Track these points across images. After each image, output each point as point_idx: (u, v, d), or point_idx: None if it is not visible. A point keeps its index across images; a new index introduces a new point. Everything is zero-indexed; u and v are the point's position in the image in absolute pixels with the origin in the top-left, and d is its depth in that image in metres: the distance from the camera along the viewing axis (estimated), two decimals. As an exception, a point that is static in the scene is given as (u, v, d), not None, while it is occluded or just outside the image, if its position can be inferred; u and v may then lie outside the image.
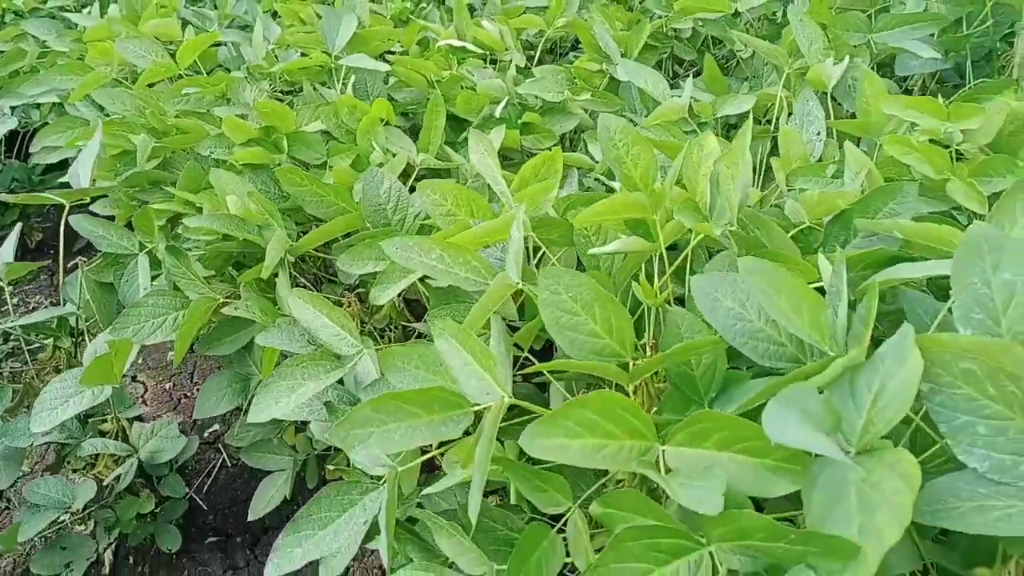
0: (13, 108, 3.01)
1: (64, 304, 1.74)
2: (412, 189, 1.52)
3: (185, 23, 2.50)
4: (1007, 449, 0.74)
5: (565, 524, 0.97)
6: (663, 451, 0.84)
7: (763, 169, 1.61)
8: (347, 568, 1.96)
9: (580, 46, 2.30)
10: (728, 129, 1.96)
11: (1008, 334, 0.82)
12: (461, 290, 1.34)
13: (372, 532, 1.15)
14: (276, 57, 2.23)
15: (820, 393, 0.78)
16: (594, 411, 0.82)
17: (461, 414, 0.95)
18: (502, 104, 1.90)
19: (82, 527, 1.88)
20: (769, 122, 1.79)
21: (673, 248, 1.23)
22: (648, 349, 1.10)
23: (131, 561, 2.02)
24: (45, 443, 1.82)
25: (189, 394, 2.58)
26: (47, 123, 2.45)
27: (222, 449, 2.32)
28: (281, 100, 2.00)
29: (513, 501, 1.04)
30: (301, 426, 1.87)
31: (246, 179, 1.60)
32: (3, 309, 2.36)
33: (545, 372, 1.10)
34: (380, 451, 0.95)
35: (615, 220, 1.21)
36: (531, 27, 2.30)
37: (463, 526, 1.05)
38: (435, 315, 1.27)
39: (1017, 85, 1.66)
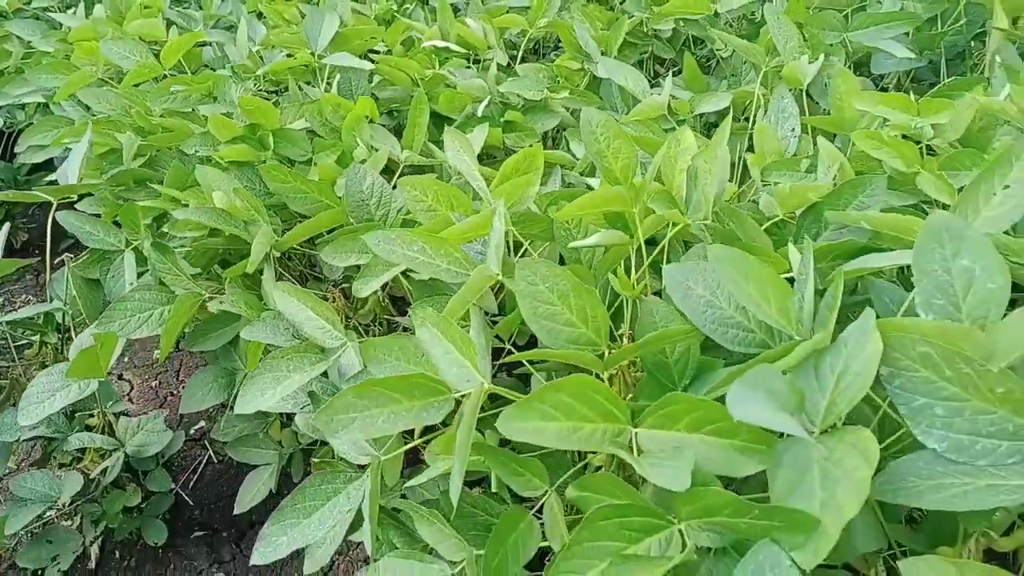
0: (-2, 108, 3.03)
1: (51, 301, 1.75)
2: (396, 186, 1.55)
3: (170, 23, 2.51)
4: (964, 429, 0.77)
5: (542, 509, 0.99)
6: (636, 433, 0.87)
7: (741, 165, 1.64)
8: (332, 562, 1.99)
9: (562, 45, 2.32)
10: (709, 128, 1.99)
11: (968, 319, 0.86)
12: (443, 284, 1.36)
13: (356, 523, 1.17)
14: (261, 57, 2.25)
15: (785, 375, 0.80)
16: (569, 395, 0.85)
17: (442, 400, 0.97)
18: (484, 103, 1.93)
19: (68, 522, 1.89)
20: (747, 119, 1.82)
21: (653, 242, 1.26)
22: (626, 339, 1.13)
23: (117, 555, 2.03)
24: (32, 439, 1.83)
25: (175, 392, 2.60)
26: (31, 123, 2.45)
27: (208, 446, 2.34)
28: (266, 99, 2.02)
29: (494, 489, 1.07)
30: (287, 421, 1.89)
31: (232, 176, 1.62)
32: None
33: (526, 363, 1.13)
34: (363, 436, 0.97)
35: (595, 214, 1.23)
36: (513, 26, 2.32)
37: (445, 515, 1.08)
38: (418, 306, 1.29)
39: (987, 82, 1.70)
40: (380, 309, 1.66)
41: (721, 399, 0.85)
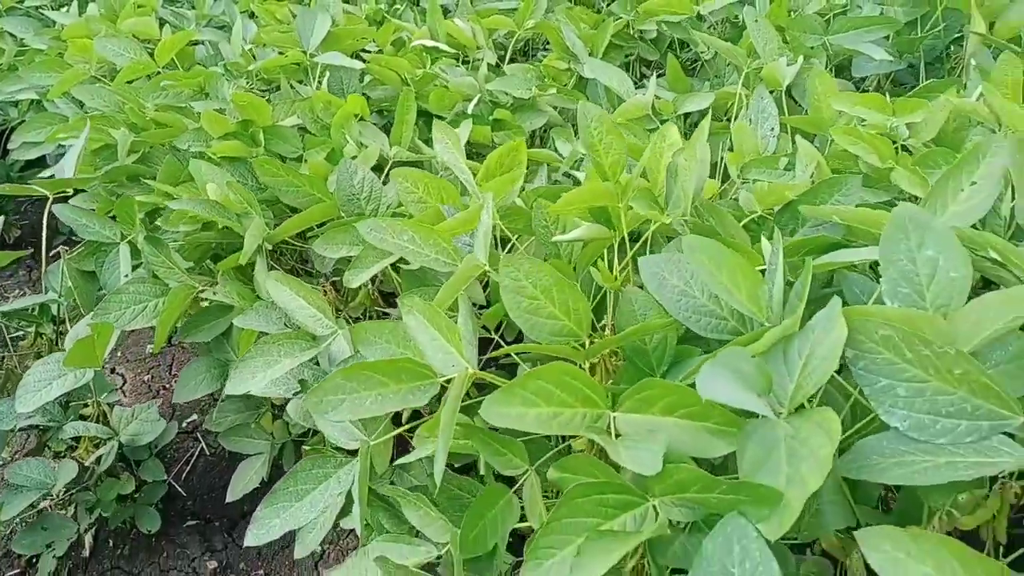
0: (-9, 105, 3.05)
1: (46, 292, 1.79)
2: (386, 182, 1.59)
3: (163, 22, 2.54)
4: (924, 409, 0.82)
5: (522, 488, 1.03)
6: (614, 417, 0.91)
7: (722, 164, 1.68)
8: (323, 550, 2.02)
9: (549, 47, 2.37)
10: (693, 128, 2.03)
11: (931, 307, 0.90)
12: (432, 275, 1.40)
13: (346, 509, 1.21)
14: (254, 56, 2.28)
15: (754, 359, 0.85)
16: (549, 381, 0.89)
17: (428, 384, 1.01)
18: (474, 101, 1.97)
19: (63, 510, 1.93)
20: (729, 119, 1.87)
21: (638, 237, 1.30)
22: (608, 329, 1.17)
23: (111, 544, 2.07)
24: (26, 428, 1.87)
25: (167, 385, 2.63)
26: (24, 121, 2.48)
27: (200, 438, 2.37)
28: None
29: (482, 472, 1.11)
30: (278, 413, 1.92)
31: (224, 171, 1.65)
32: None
33: (513, 354, 1.17)
34: (352, 416, 1.01)
35: (580, 209, 1.27)
36: (502, 27, 2.36)
37: (433, 501, 1.12)
38: (406, 295, 1.33)
39: (962, 84, 1.75)
40: (370, 302, 1.70)
41: (695, 384, 0.90)
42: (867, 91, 2.13)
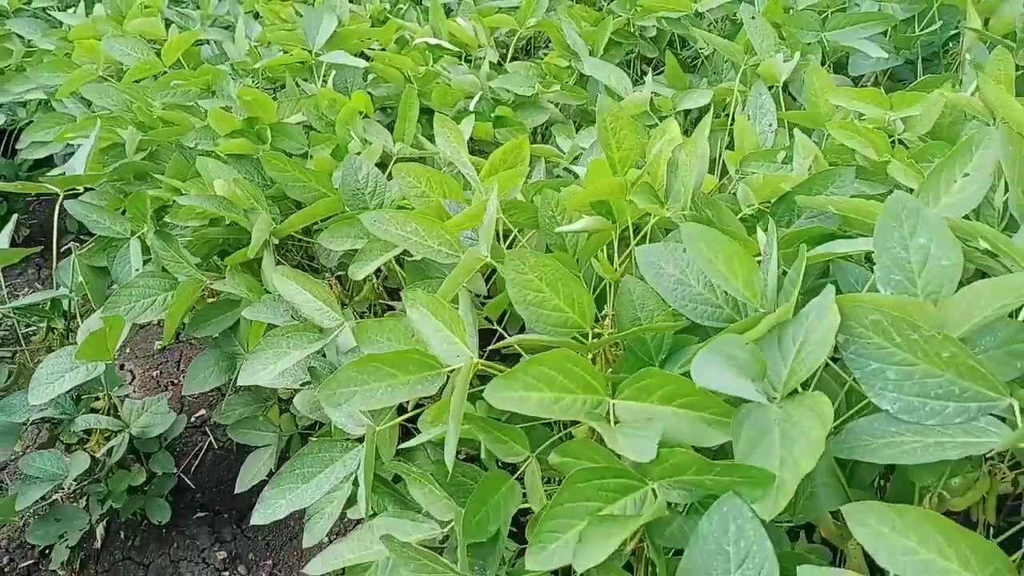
0: (0, 105, 3.08)
1: (57, 288, 1.82)
2: (390, 177, 1.61)
3: (168, 23, 2.57)
4: (913, 391, 0.84)
5: (524, 474, 1.06)
6: (613, 405, 0.94)
7: (720, 159, 1.71)
8: (330, 542, 2.05)
9: (551, 45, 2.39)
10: (693, 124, 2.06)
11: (922, 294, 0.92)
12: (435, 270, 1.43)
13: (353, 498, 1.24)
14: (260, 55, 2.31)
15: (749, 345, 0.87)
16: (551, 367, 0.92)
17: (434, 374, 1.04)
18: (476, 98, 2.00)
19: (76, 503, 1.96)
20: (728, 115, 1.89)
21: (639, 229, 1.33)
22: (609, 319, 1.20)
23: (122, 535, 2.10)
24: (38, 422, 1.90)
25: (176, 381, 2.67)
26: (32, 121, 2.51)
27: (208, 432, 2.41)
28: (263, 95, 2.08)
29: (483, 456, 1.13)
30: (285, 406, 1.96)
31: (231, 168, 1.68)
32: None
33: (516, 345, 1.20)
34: (364, 407, 1.04)
35: (584, 203, 1.30)
36: (504, 26, 2.39)
37: (438, 481, 1.15)
38: (409, 288, 1.36)
39: (958, 79, 1.77)
40: (375, 296, 1.73)
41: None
42: (865, 87, 2.16)
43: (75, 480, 1.86)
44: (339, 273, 1.75)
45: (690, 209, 1.24)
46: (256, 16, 2.68)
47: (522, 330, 1.43)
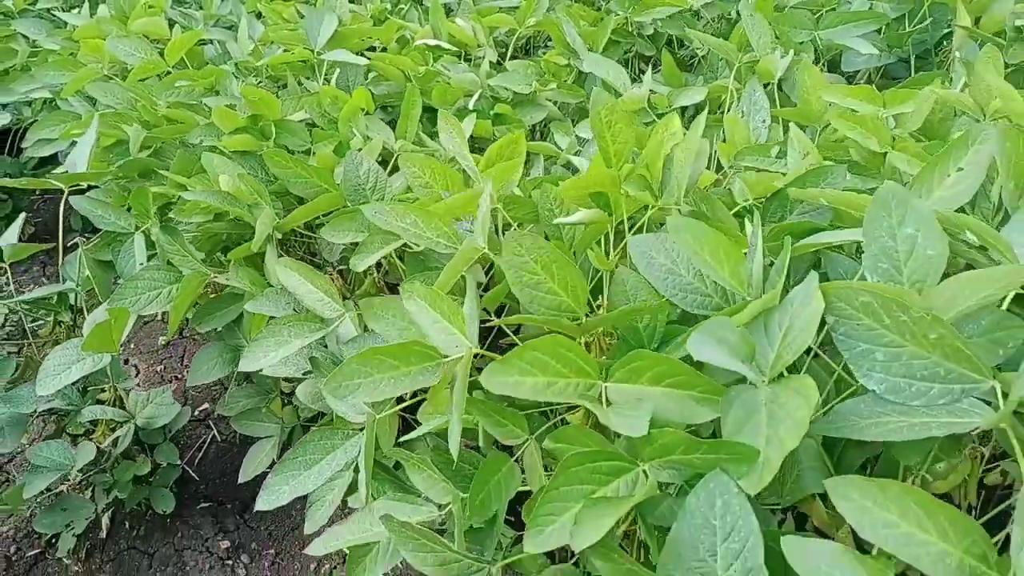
0: (5, 105, 3.11)
1: (63, 282, 1.85)
2: (391, 174, 1.65)
3: (172, 23, 2.60)
4: (900, 373, 0.87)
5: (522, 456, 1.09)
6: (605, 387, 0.96)
7: (715, 155, 1.74)
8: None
9: (550, 44, 2.42)
10: (689, 121, 2.09)
11: (908, 282, 0.95)
12: (435, 261, 1.46)
13: (353, 487, 1.27)
14: (262, 54, 2.35)
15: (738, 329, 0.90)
16: (544, 352, 0.95)
17: (435, 365, 1.07)
18: (475, 96, 2.03)
19: (82, 493, 2.00)
20: (723, 112, 1.92)
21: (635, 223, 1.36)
22: (603, 309, 1.23)
23: (127, 525, 2.14)
24: (45, 413, 1.93)
25: (180, 375, 2.70)
26: (36, 120, 2.54)
27: (212, 426, 2.44)
28: (266, 94, 2.11)
29: (480, 444, 1.16)
30: (287, 399, 1.99)
31: (235, 164, 1.71)
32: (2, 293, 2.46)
33: (511, 334, 1.23)
34: (368, 399, 1.07)
35: (581, 194, 1.33)
36: (503, 25, 2.42)
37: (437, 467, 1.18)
38: (407, 281, 1.39)
39: (947, 76, 1.80)
40: (376, 290, 1.76)
41: (683, 359, 0.95)
42: (858, 85, 2.19)
43: (81, 471, 1.89)
44: (341, 267, 1.78)
45: (684, 203, 1.27)
46: (259, 16, 2.71)
47: (519, 327, 1.46)
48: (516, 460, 1.10)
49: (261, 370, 1.38)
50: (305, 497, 1.28)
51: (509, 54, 2.41)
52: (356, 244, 1.47)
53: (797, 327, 0.88)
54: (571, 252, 1.34)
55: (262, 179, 1.76)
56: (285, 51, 2.20)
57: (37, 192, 3.75)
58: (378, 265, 1.71)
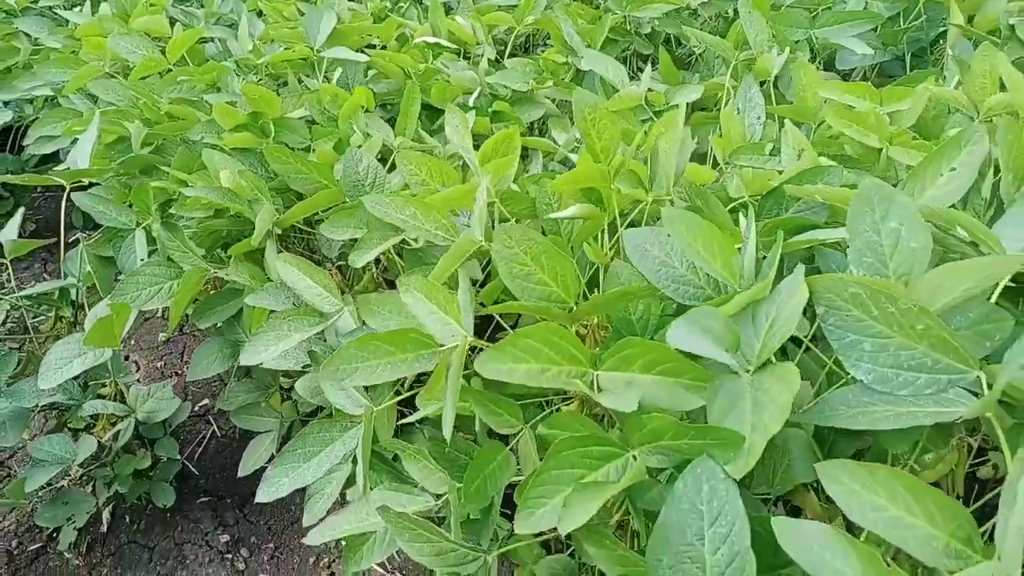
0: (7, 103, 3.13)
1: (65, 278, 1.87)
2: (390, 170, 1.66)
3: (173, 21, 2.62)
4: (888, 363, 0.88)
5: (517, 445, 1.11)
6: (597, 375, 0.98)
7: (711, 152, 1.76)
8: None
9: (549, 42, 2.44)
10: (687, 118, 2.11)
11: (894, 275, 0.97)
12: (433, 257, 1.48)
13: (350, 481, 1.29)
14: (263, 51, 2.36)
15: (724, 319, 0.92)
16: (537, 340, 0.96)
17: (430, 353, 1.09)
18: (475, 94, 2.05)
19: (83, 489, 2.01)
20: (719, 109, 1.94)
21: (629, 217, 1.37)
22: (597, 301, 1.25)
23: (127, 520, 2.16)
24: (47, 408, 1.95)
25: (180, 371, 2.72)
26: (38, 118, 2.56)
27: (212, 421, 2.46)
28: (267, 91, 2.13)
29: (477, 429, 1.18)
30: (286, 394, 2.01)
31: (236, 161, 1.73)
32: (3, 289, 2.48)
33: (507, 326, 1.25)
34: (365, 383, 1.09)
35: (574, 191, 1.35)
36: (502, 23, 2.44)
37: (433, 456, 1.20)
38: (404, 275, 1.41)
39: (940, 73, 1.82)
40: (375, 287, 1.77)
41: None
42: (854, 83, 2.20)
43: (82, 465, 1.91)
44: (340, 263, 1.80)
45: (675, 195, 1.29)
46: (259, 14, 2.73)
47: (517, 321, 1.48)
48: (511, 449, 1.11)
49: (261, 364, 1.40)
50: (304, 491, 1.30)
51: (508, 52, 2.43)
52: (355, 240, 1.49)
53: (783, 317, 0.90)
54: (569, 247, 1.36)
55: (262, 176, 1.77)
56: (285, 49, 2.22)
57: (38, 190, 3.77)
58: (376, 261, 1.72)
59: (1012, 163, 1.19)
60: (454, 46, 2.32)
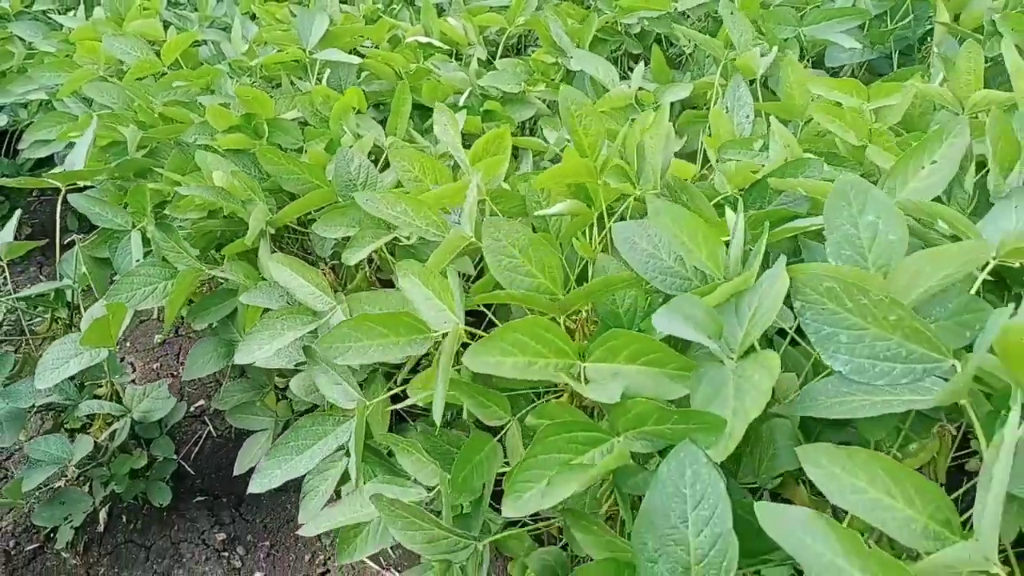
0: (1, 107, 3.14)
1: (61, 279, 1.89)
2: (382, 170, 1.68)
3: (167, 25, 2.63)
4: (864, 354, 0.91)
5: (505, 436, 1.13)
6: (583, 367, 1.00)
7: (702, 149, 1.77)
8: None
9: (540, 43, 2.46)
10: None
11: (873, 267, 0.99)
12: (424, 255, 1.50)
13: (345, 478, 1.31)
14: (256, 53, 2.38)
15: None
16: (524, 333, 0.98)
17: (423, 338, 1.12)
18: (465, 94, 2.07)
19: (80, 489, 2.03)
20: (708, 108, 1.96)
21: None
22: (588, 294, 1.27)
23: (124, 519, 2.17)
24: (43, 409, 1.96)
25: (176, 373, 2.74)
26: (32, 122, 2.57)
27: (208, 421, 2.48)
28: (260, 93, 2.15)
29: (465, 418, 1.20)
30: (281, 394, 2.02)
31: (229, 162, 1.75)
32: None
33: (495, 320, 1.26)
34: (357, 361, 1.11)
35: (562, 187, 1.37)
36: (493, 24, 2.46)
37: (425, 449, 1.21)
38: (402, 263, 1.43)
39: (927, 70, 1.84)
40: (367, 286, 1.79)
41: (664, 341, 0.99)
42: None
43: (78, 465, 1.93)
44: (334, 263, 1.81)
45: (661, 190, 1.31)
46: (252, 17, 2.74)
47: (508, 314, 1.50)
48: (499, 441, 1.13)
49: (255, 363, 1.41)
50: (299, 489, 1.32)
51: (500, 52, 2.45)
52: (348, 239, 1.51)
53: (765, 305, 0.92)
54: (557, 243, 1.37)
55: (255, 177, 1.79)
56: (278, 51, 2.24)
57: (34, 194, 3.78)
58: (369, 261, 1.75)
59: (999, 156, 1.21)
60: (446, 47, 2.34)
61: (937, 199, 1.32)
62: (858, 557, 0.72)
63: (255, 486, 1.26)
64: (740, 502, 0.85)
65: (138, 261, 1.73)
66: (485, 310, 1.48)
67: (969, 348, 0.88)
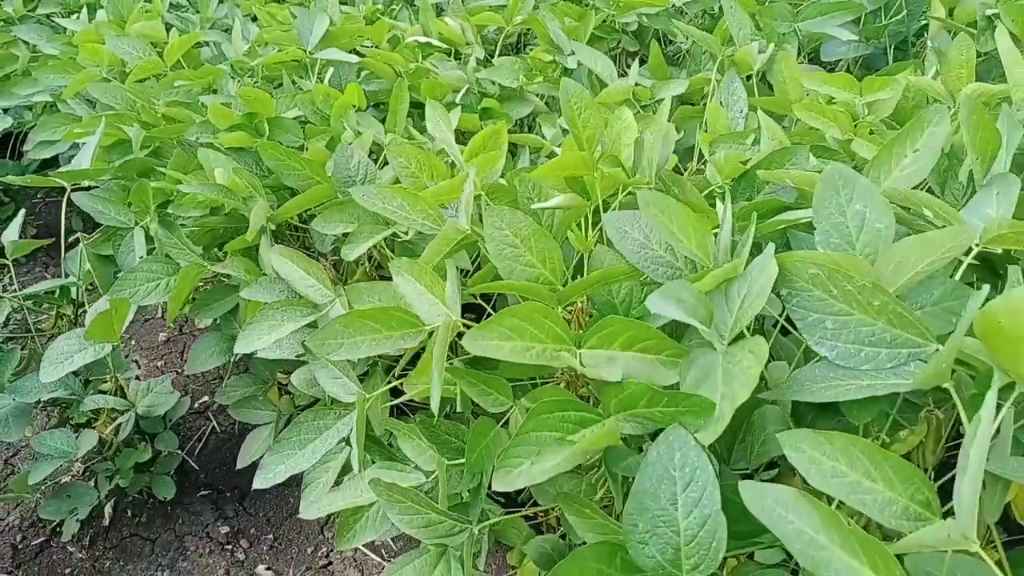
0: (6, 109, 3.16)
1: (65, 277, 1.91)
2: (382, 167, 1.70)
3: (169, 27, 2.66)
4: (850, 339, 0.93)
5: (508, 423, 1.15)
6: (580, 353, 1.02)
7: (697, 144, 1.79)
8: (329, 517, 2.13)
9: (538, 42, 2.48)
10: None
11: (861, 255, 1.01)
12: (421, 249, 1.52)
13: (346, 469, 1.33)
14: (257, 54, 2.40)
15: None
16: (522, 319, 1.00)
17: (416, 331, 1.14)
18: (463, 91, 2.09)
19: (84, 483, 2.05)
20: (705, 104, 1.98)
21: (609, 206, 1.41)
22: (583, 287, 1.29)
23: (129, 513, 2.19)
24: (49, 403, 1.99)
25: (179, 370, 2.76)
26: (37, 124, 2.59)
27: (211, 417, 2.50)
28: (261, 93, 2.17)
29: (459, 408, 1.22)
30: (283, 389, 2.05)
31: (231, 160, 1.77)
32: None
33: (490, 309, 1.28)
34: (350, 357, 1.13)
35: (556, 181, 1.39)
36: (491, 24, 2.48)
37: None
38: (396, 259, 1.45)
39: (921, 64, 1.86)
40: (367, 280, 1.81)
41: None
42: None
43: (84, 460, 1.95)
44: (334, 259, 1.83)
45: (656, 183, 1.33)
46: (253, 19, 2.77)
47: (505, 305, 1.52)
48: (503, 425, 1.15)
49: (257, 355, 1.44)
50: (301, 483, 1.34)
51: (498, 52, 2.47)
52: (347, 235, 1.53)
53: (754, 292, 0.94)
54: (552, 237, 1.39)
55: (256, 174, 1.81)
56: (279, 51, 2.26)
57: (38, 195, 3.81)
58: (369, 257, 1.77)
59: (978, 144, 1.23)
60: (444, 46, 2.36)
61: (929, 190, 1.35)
62: (838, 533, 0.74)
63: (259, 482, 1.28)
64: (730, 485, 0.87)
65: (141, 258, 1.75)
66: (484, 304, 1.51)
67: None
